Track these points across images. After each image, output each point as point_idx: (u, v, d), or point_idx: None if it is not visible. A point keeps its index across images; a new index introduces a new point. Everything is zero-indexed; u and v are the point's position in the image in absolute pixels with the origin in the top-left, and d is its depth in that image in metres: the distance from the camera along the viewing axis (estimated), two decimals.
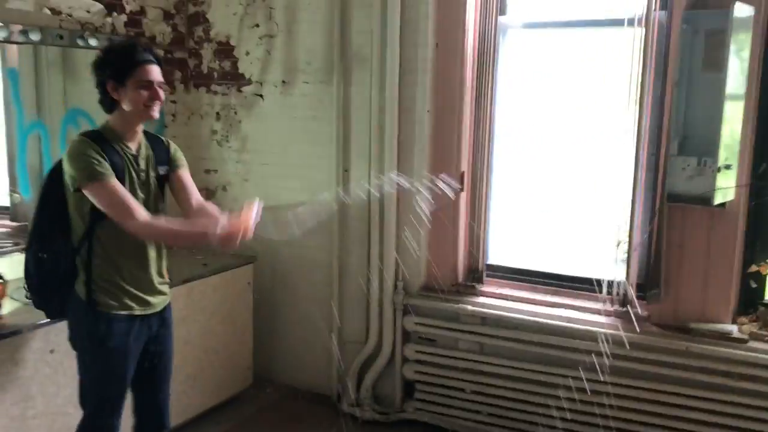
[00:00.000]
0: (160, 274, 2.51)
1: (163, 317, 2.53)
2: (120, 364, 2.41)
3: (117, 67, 2.30)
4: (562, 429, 3.21)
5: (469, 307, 3.37)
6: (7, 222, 3.35)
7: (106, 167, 2.27)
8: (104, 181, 2.25)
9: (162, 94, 2.37)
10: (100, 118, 2.46)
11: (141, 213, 2.28)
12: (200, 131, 4.14)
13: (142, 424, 2.66)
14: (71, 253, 2.36)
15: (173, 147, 2.59)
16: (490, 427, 3.40)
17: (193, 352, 3.41)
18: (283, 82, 3.83)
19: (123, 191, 2.29)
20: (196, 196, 2.57)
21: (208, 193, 4.15)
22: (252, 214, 2.26)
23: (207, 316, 3.48)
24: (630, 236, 3.09)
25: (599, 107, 3.21)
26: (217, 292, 3.57)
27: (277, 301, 4.03)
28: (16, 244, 3.16)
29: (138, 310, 2.41)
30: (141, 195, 2.39)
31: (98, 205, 2.26)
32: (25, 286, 2.43)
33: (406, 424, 3.60)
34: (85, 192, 2.26)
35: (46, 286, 2.40)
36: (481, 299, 3.43)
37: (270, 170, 3.96)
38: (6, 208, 3.37)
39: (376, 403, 3.71)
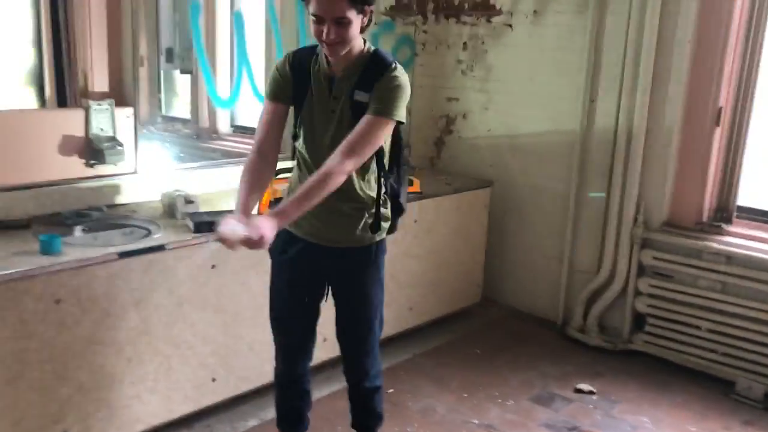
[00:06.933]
0: (346, 211, 2.20)
1: (344, 254, 2.22)
2: (278, 278, 2.34)
3: None
4: None
5: (715, 245, 3.31)
6: None
7: (275, 90, 2.21)
8: (266, 100, 2.24)
9: (335, 33, 1.98)
10: None
11: (254, 147, 2.20)
12: (446, 60, 4.35)
13: (344, 367, 2.46)
14: None
15: (385, 82, 2.09)
16: (723, 367, 3.34)
17: (435, 260, 3.70)
18: (535, 12, 3.88)
19: (264, 120, 2.21)
20: (341, 149, 2.05)
21: (448, 121, 4.39)
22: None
23: (448, 230, 3.74)
24: None
25: None
26: (459, 210, 3.81)
27: (509, 227, 4.20)
28: None
29: (304, 235, 2.24)
30: (322, 123, 2.17)
31: None
32: None
33: (632, 354, 3.63)
34: None
35: None
36: (728, 239, 3.35)
37: (512, 99, 4.08)
38: None
39: (602, 332, 3.78)
